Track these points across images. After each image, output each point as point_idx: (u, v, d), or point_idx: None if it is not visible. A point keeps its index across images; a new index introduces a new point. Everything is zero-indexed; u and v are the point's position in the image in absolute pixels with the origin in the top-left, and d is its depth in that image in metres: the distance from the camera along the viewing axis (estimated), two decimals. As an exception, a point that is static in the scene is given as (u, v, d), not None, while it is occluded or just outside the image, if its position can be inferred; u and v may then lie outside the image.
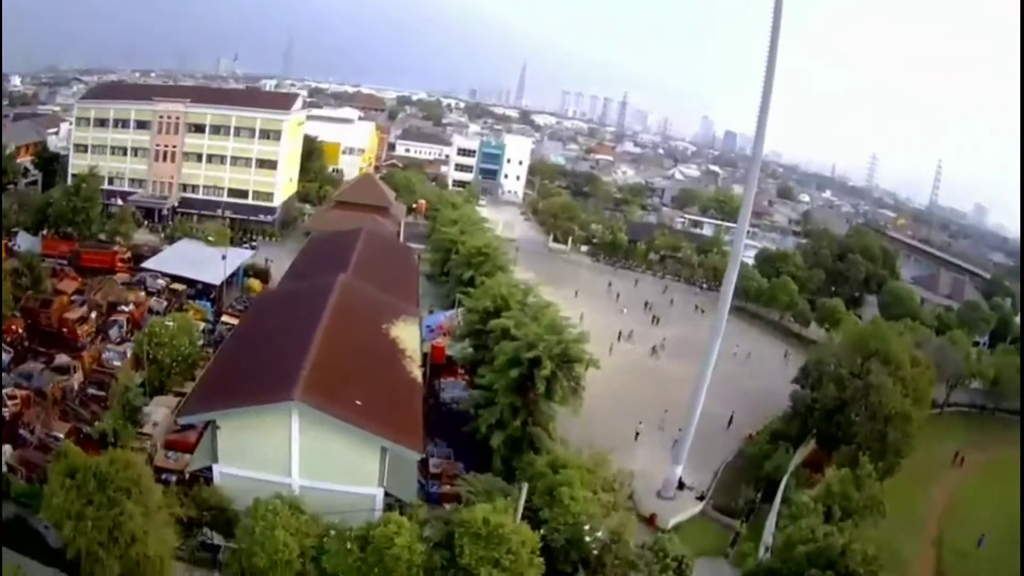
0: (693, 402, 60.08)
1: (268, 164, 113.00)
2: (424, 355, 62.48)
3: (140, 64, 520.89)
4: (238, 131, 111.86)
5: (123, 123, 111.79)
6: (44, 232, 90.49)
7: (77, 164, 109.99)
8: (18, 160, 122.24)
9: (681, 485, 61.71)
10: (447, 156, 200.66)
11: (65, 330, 64.71)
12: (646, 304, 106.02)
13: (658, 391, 77.31)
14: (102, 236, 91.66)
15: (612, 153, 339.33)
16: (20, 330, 63.13)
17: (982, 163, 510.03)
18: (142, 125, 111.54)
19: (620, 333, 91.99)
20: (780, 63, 52.03)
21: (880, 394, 63.54)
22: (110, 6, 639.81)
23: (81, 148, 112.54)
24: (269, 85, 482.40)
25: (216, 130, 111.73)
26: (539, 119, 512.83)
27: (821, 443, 68.49)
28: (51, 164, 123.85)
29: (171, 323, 58.12)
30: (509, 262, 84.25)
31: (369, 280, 65.07)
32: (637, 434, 67.95)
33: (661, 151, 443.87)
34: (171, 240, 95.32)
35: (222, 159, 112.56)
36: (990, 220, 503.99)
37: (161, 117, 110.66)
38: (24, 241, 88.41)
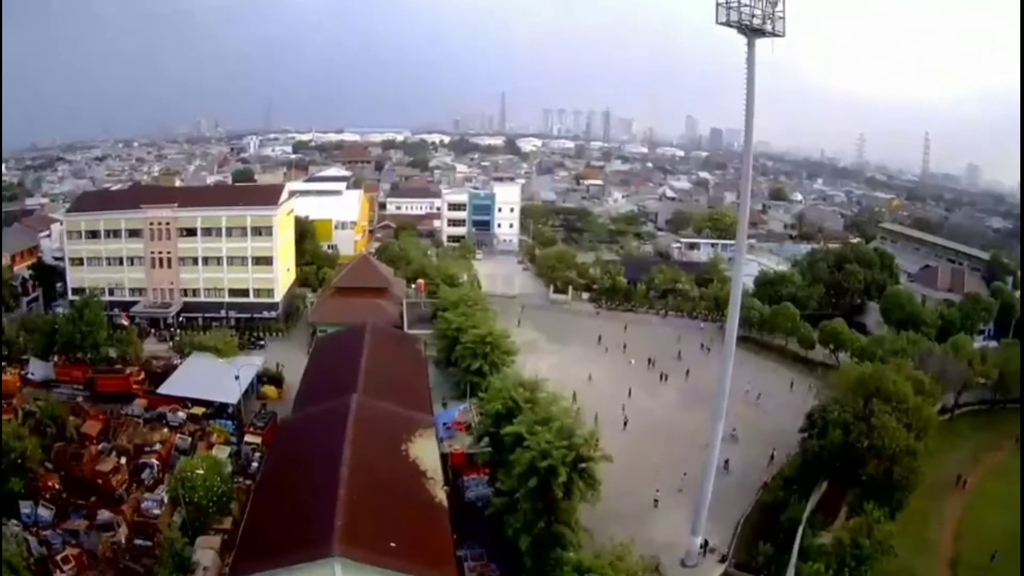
0: (705, 472, 62.39)
1: (264, 261, 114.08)
2: (444, 456, 65.45)
3: (121, 133, 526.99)
4: (229, 231, 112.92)
5: (114, 233, 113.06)
6: (55, 359, 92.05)
7: (75, 277, 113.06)
8: (15, 269, 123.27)
9: (706, 545, 64.25)
10: (438, 209, 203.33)
11: (100, 481, 66.37)
12: (649, 361, 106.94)
13: (675, 449, 78.91)
14: (112, 353, 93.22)
15: (601, 175, 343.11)
16: (56, 485, 65.23)
17: (970, 120, 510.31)
18: (134, 233, 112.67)
19: (630, 391, 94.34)
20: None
21: (884, 436, 66.11)
22: (86, 74, 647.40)
23: (77, 261, 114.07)
24: (253, 142, 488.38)
25: (208, 232, 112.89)
26: (525, 145, 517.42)
27: (833, 481, 70.94)
28: (50, 276, 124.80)
29: (201, 470, 60.36)
30: (513, 347, 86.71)
31: (381, 391, 67.91)
32: (656, 502, 70.07)
33: (650, 164, 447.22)
34: (179, 350, 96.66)
35: (218, 260, 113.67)
36: (984, 178, 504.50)
37: (151, 224, 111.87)
38: (38, 368, 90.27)
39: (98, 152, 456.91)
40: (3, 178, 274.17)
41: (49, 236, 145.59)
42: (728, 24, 52.18)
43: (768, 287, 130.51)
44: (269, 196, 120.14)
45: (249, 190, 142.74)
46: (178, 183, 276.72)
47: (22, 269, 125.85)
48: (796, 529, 62.10)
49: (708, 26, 52.55)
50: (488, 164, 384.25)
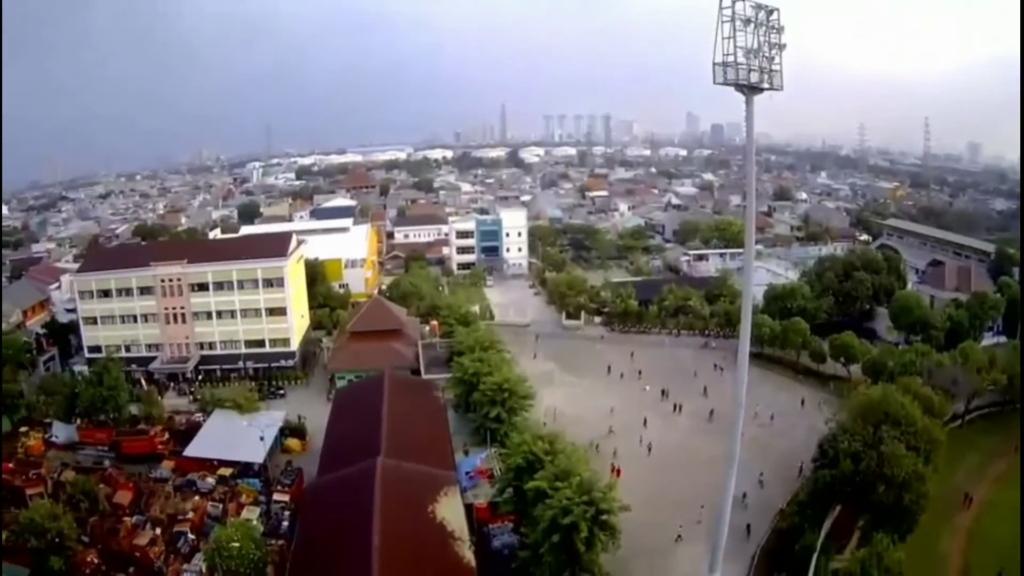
0: (721, 509, 63.51)
1: (278, 311, 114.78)
2: (469, 507, 67.78)
3: (122, 165, 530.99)
4: (241, 284, 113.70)
5: (126, 291, 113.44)
6: (78, 421, 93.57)
7: (90, 336, 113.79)
8: (27, 324, 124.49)
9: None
10: (446, 235, 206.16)
11: (138, 555, 67.64)
12: (663, 392, 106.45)
13: (693, 478, 79.56)
14: (134, 410, 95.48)
15: (605, 185, 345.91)
16: (95, 560, 66.68)
17: (969, 92, 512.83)
18: (146, 290, 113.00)
19: (645, 420, 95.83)
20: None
21: (893, 464, 67.64)
22: (84, 105, 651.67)
23: (90, 320, 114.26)
24: (256, 170, 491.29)
25: (219, 286, 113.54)
26: (527, 155, 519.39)
27: (845, 506, 72.31)
28: (64, 332, 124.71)
29: (236, 541, 62.21)
30: (531, 392, 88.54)
31: (403, 448, 69.83)
32: (679, 536, 71.27)
33: (653, 169, 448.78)
34: (199, 405, 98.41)
35: (232, 313, 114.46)
36: (985, 155, 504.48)
37: (162, 281, 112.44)
38: (61, 431, 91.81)
39: (101, 188, 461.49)
40: (6, 221, 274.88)
41: (59, 288, 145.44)
42: (726, 83, 51.88)
43: (777, 302, 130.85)
44: (278, 246, 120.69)
45: (257, 240, 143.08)
46: (183, 220, 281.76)
47: (34, 325, 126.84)
48: (810, 557, 64.11)
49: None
50: (492, 181, 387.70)
